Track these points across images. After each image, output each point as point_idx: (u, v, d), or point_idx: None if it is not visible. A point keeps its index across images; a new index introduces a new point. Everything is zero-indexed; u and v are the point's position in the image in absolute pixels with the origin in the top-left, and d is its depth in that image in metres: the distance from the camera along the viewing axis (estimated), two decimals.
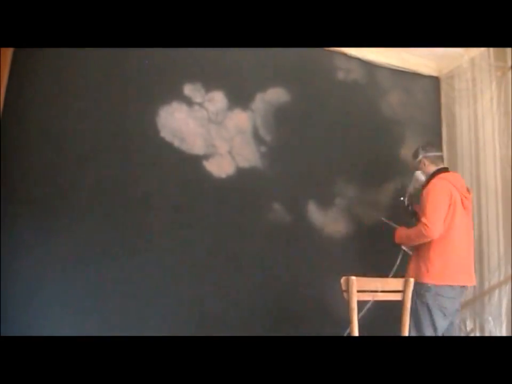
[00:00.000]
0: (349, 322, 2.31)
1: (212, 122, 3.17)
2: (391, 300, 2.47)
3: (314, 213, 2.97)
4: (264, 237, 3.16)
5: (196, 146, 3.09)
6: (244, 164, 3.20)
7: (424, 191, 2.82)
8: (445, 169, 2.95)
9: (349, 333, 2.31)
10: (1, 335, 2.35)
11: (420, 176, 2.98)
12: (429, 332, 2.62)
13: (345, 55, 3.61)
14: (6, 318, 2.47)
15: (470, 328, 3.39)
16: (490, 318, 3.21)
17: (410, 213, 3.10)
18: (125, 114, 2.96)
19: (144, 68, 3.04)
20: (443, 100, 3.88)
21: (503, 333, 3.11)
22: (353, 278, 2.32)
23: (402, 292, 2.46)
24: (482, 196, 3.43)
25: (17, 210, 2.63)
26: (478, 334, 3.31)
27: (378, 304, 2.51)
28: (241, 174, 3.17)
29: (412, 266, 2.81)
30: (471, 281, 2.80)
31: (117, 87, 2.97)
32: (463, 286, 2.75)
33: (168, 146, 3.02)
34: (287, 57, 3.38)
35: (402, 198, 3.16)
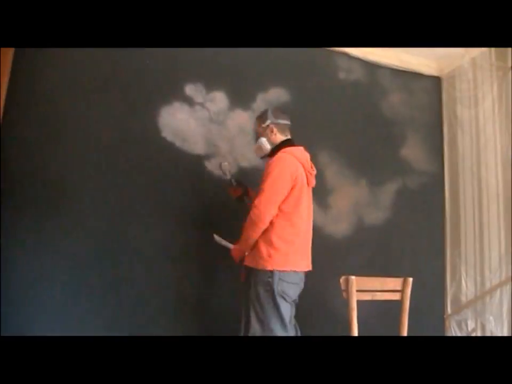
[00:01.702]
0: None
1: (213, 122, 3.17)
2: (389, 300, 2.47)
3: (314, 212, 2.95)
4: None
5: (197, 146, 3.10)
6: (245, 163, 3.20)
7: (267, 165, 2.51)
8: (291, 142, 2.63)
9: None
10: (1, 335, 2.35)
11: (266, 144, 2.63)
12: (275, 323, 2.37)
13: (346, 55, 3.60)
14: (6, 318, 2.48)
15: (471, 328, 3.38)
16: (491, 318, 3.21)
17: (239, 190, 2.87)
18: (126, 114, 2.96)
19: (145, 68, 3.04)
20: (444, 99, 3.87)
21: (505, 333, 3.11)
22: (353, 277, 2.32)
23: (401, 291, 2.46)
24: (483, 196, 3.43)
25: (18, 211, 2.64)
26: (479, 334, 3.31)
27: (377, 303, 2.51)
28: (243, 173, 3.17)
29: (250, 252, 2.50)
30: (309, 266, 2.60)
31: (118, 87, 2.97)
32: (305, 272, 2.57)
33: (170, 146, 3.03)
34: (288, 57, 3.38)
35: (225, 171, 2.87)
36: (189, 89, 3.13)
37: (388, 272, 2.87)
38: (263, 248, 2.42)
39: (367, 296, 2.40)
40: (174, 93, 3.08)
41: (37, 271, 2.63)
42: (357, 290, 2.32)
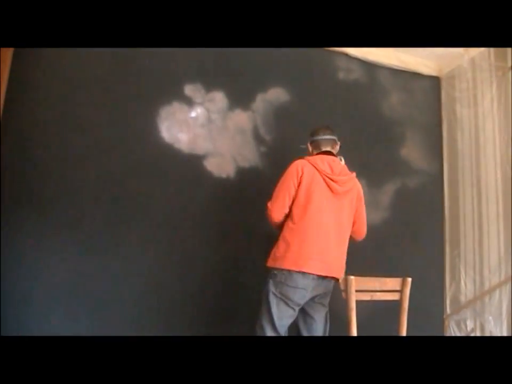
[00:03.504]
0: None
1: (212, 122, 3.17)
2: (388, 300, 2.47)
3: None
4: (264, 236, 3.15)
5: (196, 146, 3.10)
6: (244, 163, 3.20)
7: None
8: (324, 152, 2.68)
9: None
10: (1, 335, 2.35)
11: None
12: (266, 322, 2.40)
13: (345, 55, 3.61)
14: (6, 318, 2.48)
15: (470, 328, 3.39)
16: (490, 318, 3.21)
17: None
18: (126, 114, 2.96)
19: (145, 68, 3.04)
20: (443, 99, 3.87)
21: (504, 332, 3.11)
22: (352, 277, 2.32)
23: (400, 291, 2.46)
24: (482, 196, 3.43)
25: (18, 210, 2.64)
26: (478, 334, 3.31)
27: (377, 303, 2.51)
28: (242, 174, 3.17)
29: None
30: (330, 272, 2.46)
31: (117, 87, 2.97)
32: (319, 276, 2.43)
33: (169, 146, 3.03)
34: (287, 57, 3.38)
35: None
36: (189, 89, 3.13)
37: (387, 272, 2.86)
38: (274, 248, 2.51)
39: (366, 296, 2.39)
40: (174, 93, 3.08)
41: (37, 271, 2.63)
42: (356, 291, 2.31)
